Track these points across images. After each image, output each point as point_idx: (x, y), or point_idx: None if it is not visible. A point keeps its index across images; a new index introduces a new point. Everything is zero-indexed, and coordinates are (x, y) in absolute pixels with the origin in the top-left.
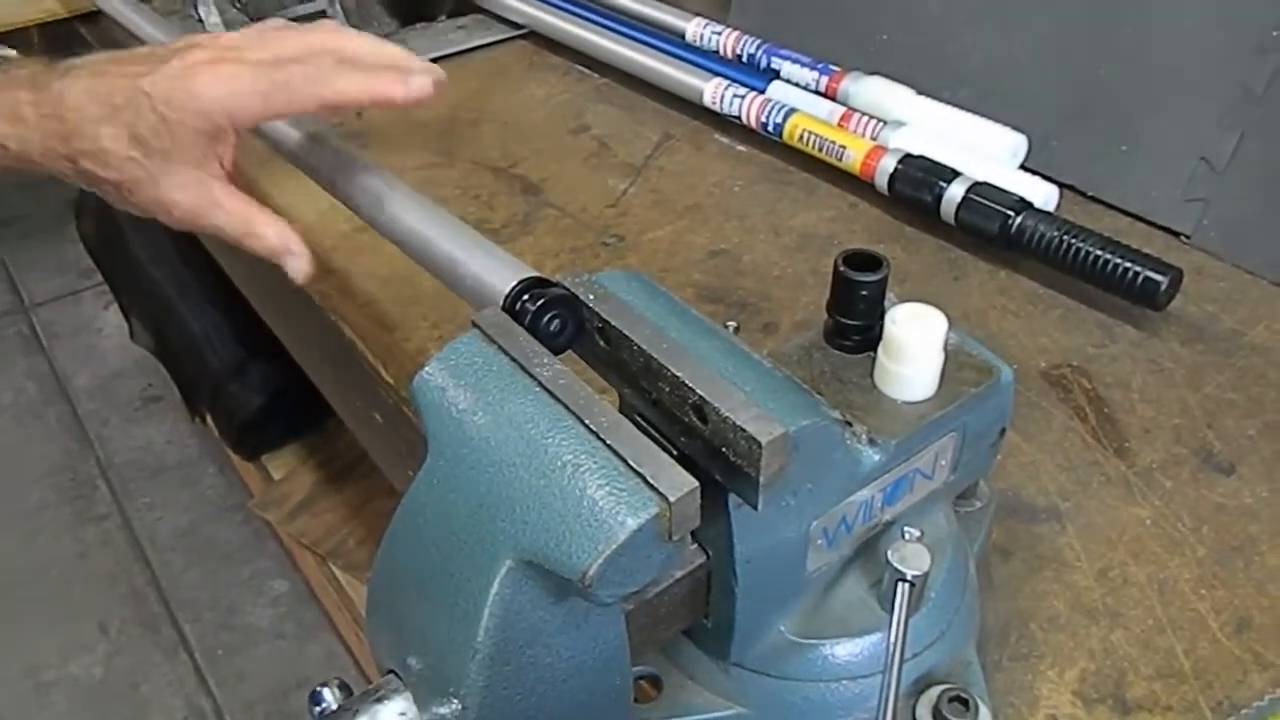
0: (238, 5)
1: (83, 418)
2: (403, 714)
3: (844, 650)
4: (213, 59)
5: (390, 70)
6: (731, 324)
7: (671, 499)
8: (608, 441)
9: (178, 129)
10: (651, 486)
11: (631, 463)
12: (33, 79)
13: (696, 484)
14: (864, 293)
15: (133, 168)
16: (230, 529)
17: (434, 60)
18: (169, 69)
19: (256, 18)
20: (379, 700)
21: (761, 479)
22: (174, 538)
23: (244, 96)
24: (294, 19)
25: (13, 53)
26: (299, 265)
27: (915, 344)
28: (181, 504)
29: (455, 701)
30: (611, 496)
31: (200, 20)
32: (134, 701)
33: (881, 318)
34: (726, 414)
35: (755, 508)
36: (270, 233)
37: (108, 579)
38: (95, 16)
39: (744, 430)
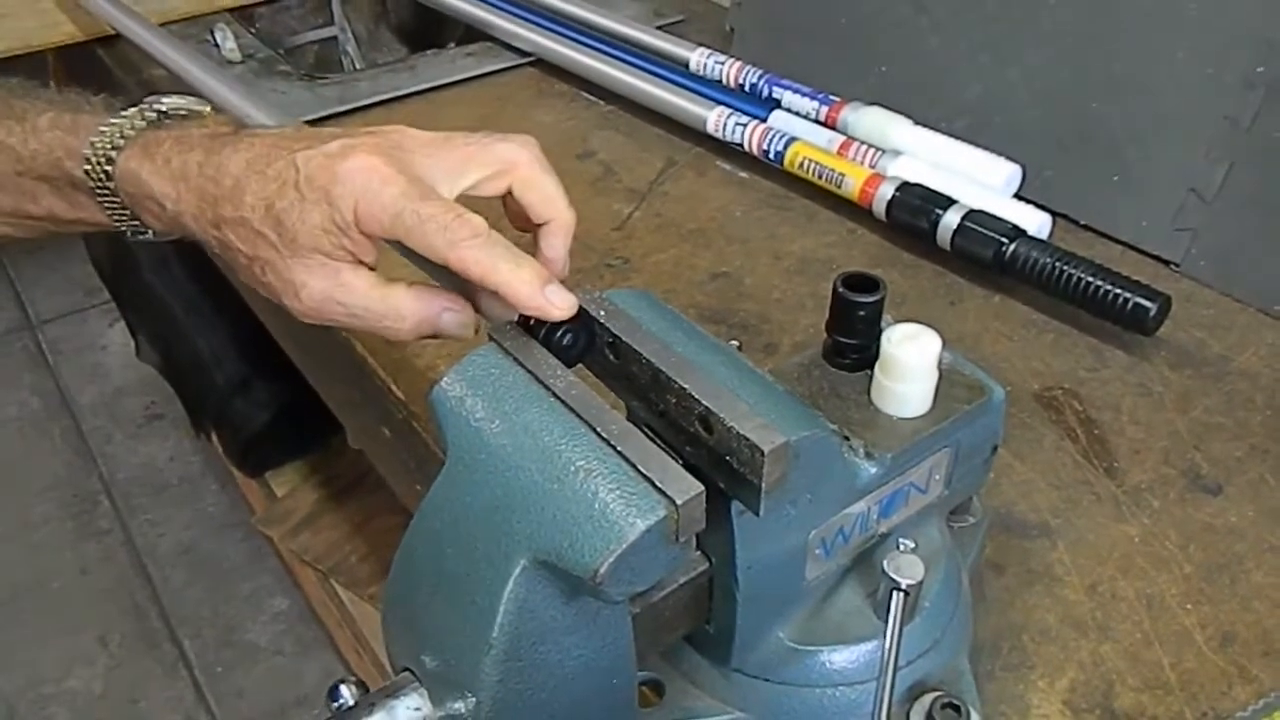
0: (253, 30)
1: (86, 434)
2: (417, 709)
3: (841, 657)
4: (374, 151)
5: (528, 268)
6: (734, 343)
7: (679, 502)
8: (618, 448)
9: (309, 209)
10: (660, 490)
11: (640, 468)
12: (209, 141)
13: (702, 488)
14: (862, 313)
15: (262, 243)
16: (231, 546)
17: (443, 86)
18: (329, 147)
19: (271, 43)
20: (394, 696)
21: (764, 486)
22: (175, 554)
23: (377, 203)
24: (307, 43)
25: (207, 107)
26: (463, 319)
27: (911, 362)
28: (183, 520)
29: (470, 697)
30: (622, 500)
31: (217, 45)
32: (133, 717)
33: (878, 337)
34: (731, 424)
35: (757, 514)
36: (418, 306)
37: (109, 594)
38: (113, 40)
39: (748, 439)
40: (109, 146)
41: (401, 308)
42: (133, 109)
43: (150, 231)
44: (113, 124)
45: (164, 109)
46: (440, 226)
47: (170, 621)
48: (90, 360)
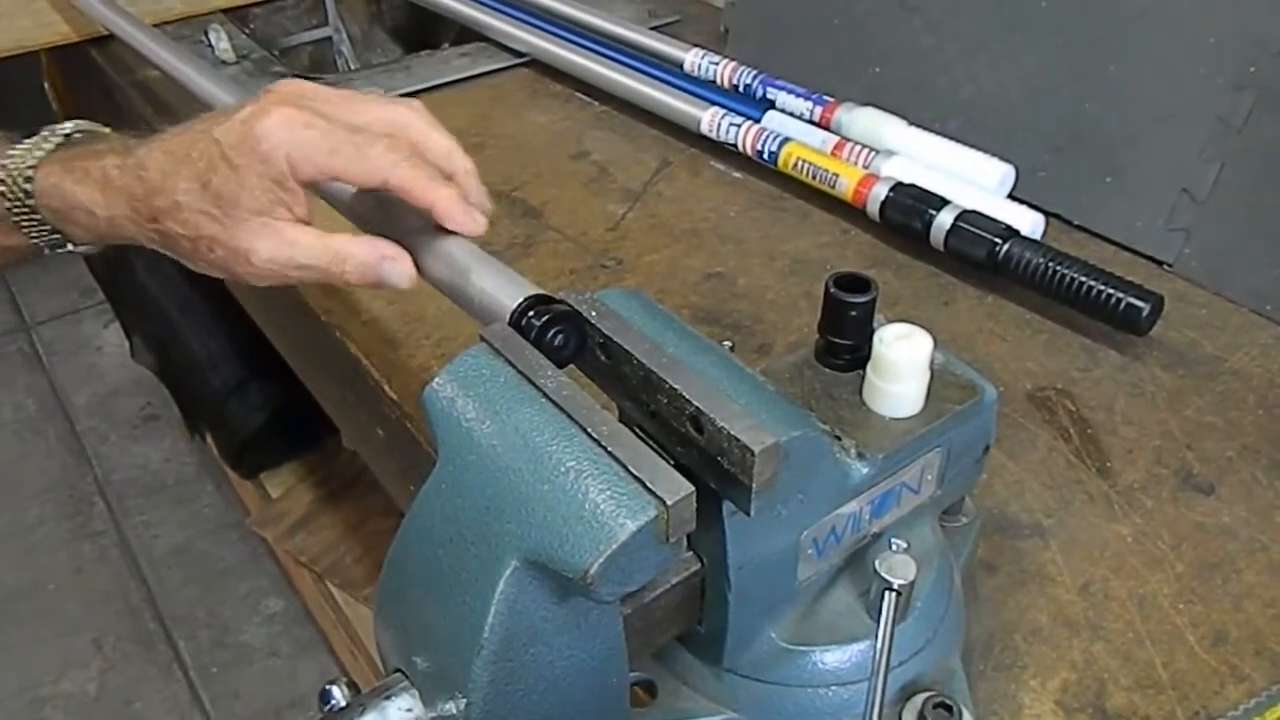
0: (247, 31)
1: (81, 435)
2: (409, 710)
3: (833, 657)
4: (283, 103)
5: (454, 188)
6: (727, 343)
7: (669, 502)
8: (609, 448)
9: (244, 174)
10: (650, 491)
11: (631, 468)
12: (122, 146)
13: (693, 488)
14: (853, 313)
15: (206, 222)
16: (226, 547)
17: (438, 86)
18: (240, 114)
19: (266, 44)
20: (386, 697)
21: (754, 486)
22: (170, 555)
23: (308, 147)
24: (302, 44)
25: (106, 129)
26: (401, 269)
27: (902, 363)
28: (178, 521)
29: (461, 698)
30: (612, 500)
31: (211, 45)
32: (128, 718)
33: (870, 338)
34: (722, 424)
35: (748, 514)
36: (359, 250)
37: (104, 595)
38: (107, 40)
39: (738, 439)
40: (24, 165)
41: (343, 252)
42: (33, 137)
43: (69, 245)
44: (19, 149)
45: (67, 131)
46: (382, 149)
47: (165, 623)
48: (85, 361)
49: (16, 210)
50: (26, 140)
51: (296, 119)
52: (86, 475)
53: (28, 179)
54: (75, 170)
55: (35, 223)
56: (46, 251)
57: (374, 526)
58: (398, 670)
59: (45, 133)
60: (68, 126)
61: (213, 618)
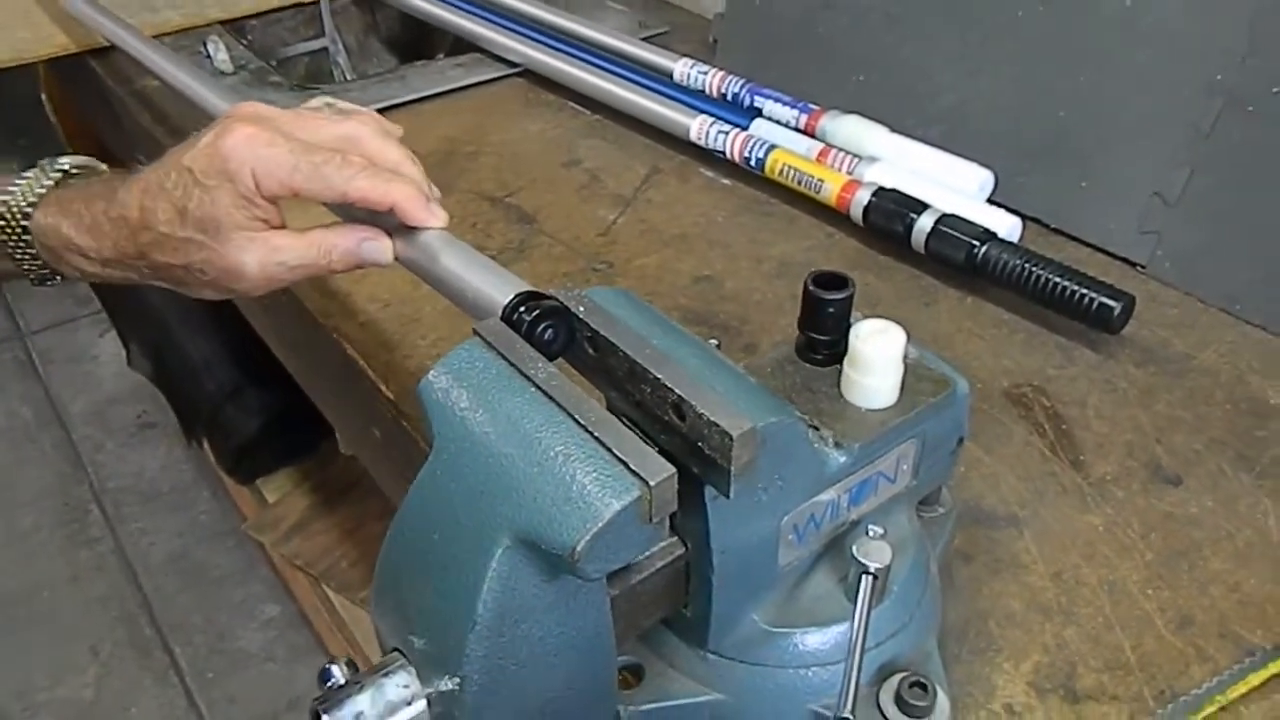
0: (244, 42)
1: (77, 443)
2: (406, 686)
3: (813, 639)
4: (244, 124)
5: (411, 185)
6: (714, 341)
7: (651, 483)
8: (595, 434)
9: (216, 194)
10: (634, 473)
11: (616, 452)
12: (108, 189)
13: (674, 470)
14: (831, 310)
15: (191, 247)
16: (222, 553)
17: (433, 96)
18: (205, 139)
19: (263, 54)
20: (384, 675)
21: (733, 469)
22: (166, 562)
23: (271, 163)
24: (298, 55)
25: (103, 166)
26: (381, 246)
27: (877, 356)
28: (174, 528)
29: (456, 675)
30: (598, 482)
31: (209, 56)
32: None
33: (848, 333)
34: (702, 411)
35: (728, 496)
36: (343, 240)
37: (100, 602)
38: (106, 52)
39: (717, 425)
40: (24, 203)
41: (326, 244)
42: (34, 170)
43: (59, 277)
44: (19, 184)
45: (65, 166)
46: (336, 167)
47: (161, 629)
48: (81, 370)
49: (12, 244)
50: (26, 174)
51: (259, 137)
52: (82, 483)
53: (26, 215)
54: (71, 213)
55: (29, 256)
56: (34, 283)
57: (370, 530)
58: (395, 649)
59: (44, 165)
60: (64, 162)
61: (209, 623)
